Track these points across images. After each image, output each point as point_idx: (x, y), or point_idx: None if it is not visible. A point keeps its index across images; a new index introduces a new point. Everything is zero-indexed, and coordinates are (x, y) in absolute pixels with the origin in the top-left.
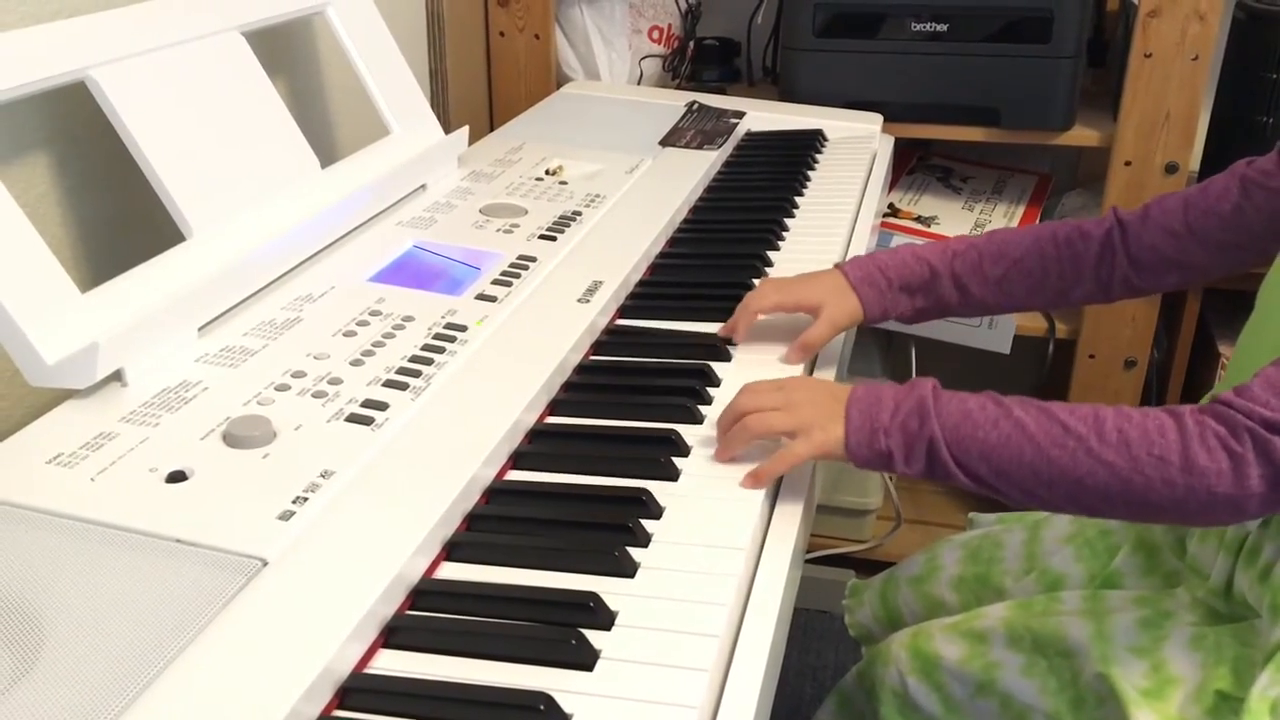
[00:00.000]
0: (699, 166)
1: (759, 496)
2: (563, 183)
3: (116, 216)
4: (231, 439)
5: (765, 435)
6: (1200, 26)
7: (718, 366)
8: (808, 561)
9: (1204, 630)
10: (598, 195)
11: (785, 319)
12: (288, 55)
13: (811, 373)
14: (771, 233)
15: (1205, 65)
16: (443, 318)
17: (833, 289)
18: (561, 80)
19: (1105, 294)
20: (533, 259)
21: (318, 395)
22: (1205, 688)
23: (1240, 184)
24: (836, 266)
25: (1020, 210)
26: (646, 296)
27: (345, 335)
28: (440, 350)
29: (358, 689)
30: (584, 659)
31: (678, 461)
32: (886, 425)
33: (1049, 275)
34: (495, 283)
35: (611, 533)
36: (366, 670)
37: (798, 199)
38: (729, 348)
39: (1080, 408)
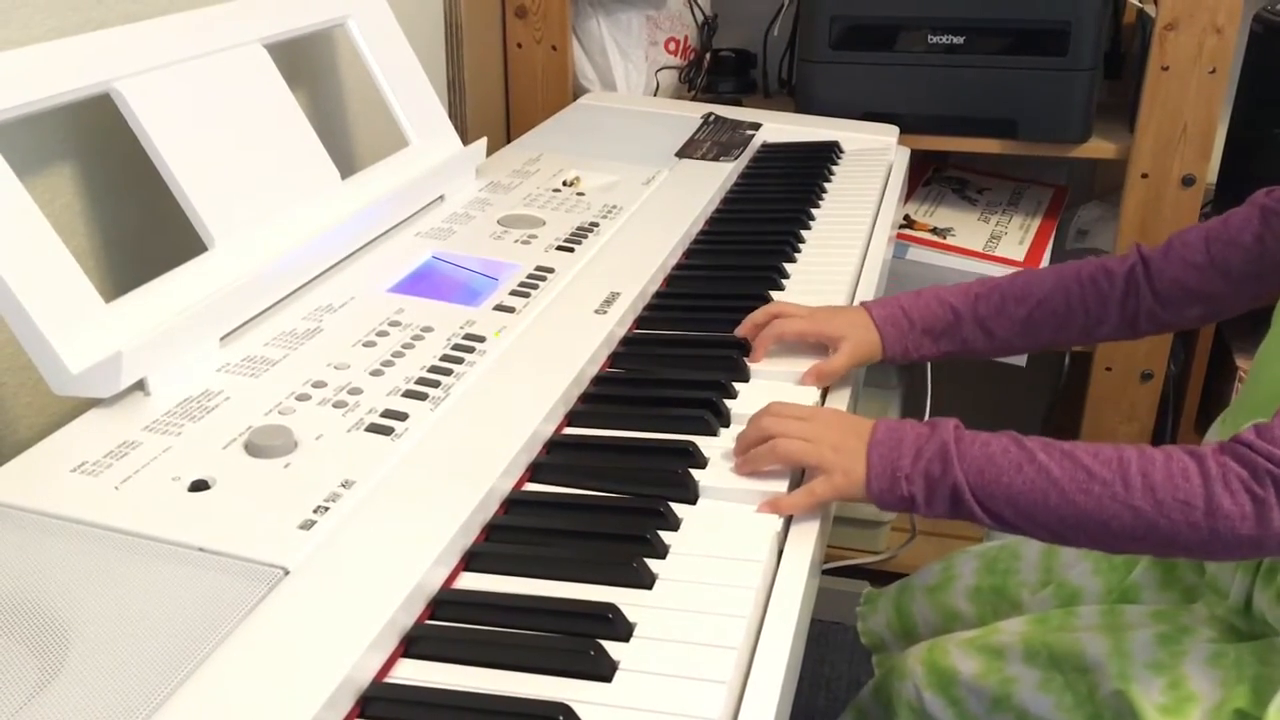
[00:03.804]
0: (715, 178)
1: None
2: (580, 194)
3: (140, 227)
4: (253, 448)
5: (788, 464)
6: (1217, 39)
7: (735, 379)
8: (822, 573)
9: (1224, 647)
10: (615, 206)
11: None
12: (308, 67)
13: (828, 386)
14: (788, 244)
15: (1223, 78)
16: (461, 328)
17: (856, 324)
18: (578, 91)
19: (1132, 330)
20: (550, 270)
21: (338, 405)
22: (1224, 705)
23: (1260, 214)
24: (862, 305)
25: (1036, 222)
26: (664, 308)
27: (365, 345)
28: (459, 361)
29: (378, 698)
30: (602, 670)
31: (695, 473)
32: (908, 471)
33: (1074, 313)
34: (513, 294)
35: (629, 544)
36: (387, 680)
37: (814, 211)
38: (746, 360)
39: (1103, 450)
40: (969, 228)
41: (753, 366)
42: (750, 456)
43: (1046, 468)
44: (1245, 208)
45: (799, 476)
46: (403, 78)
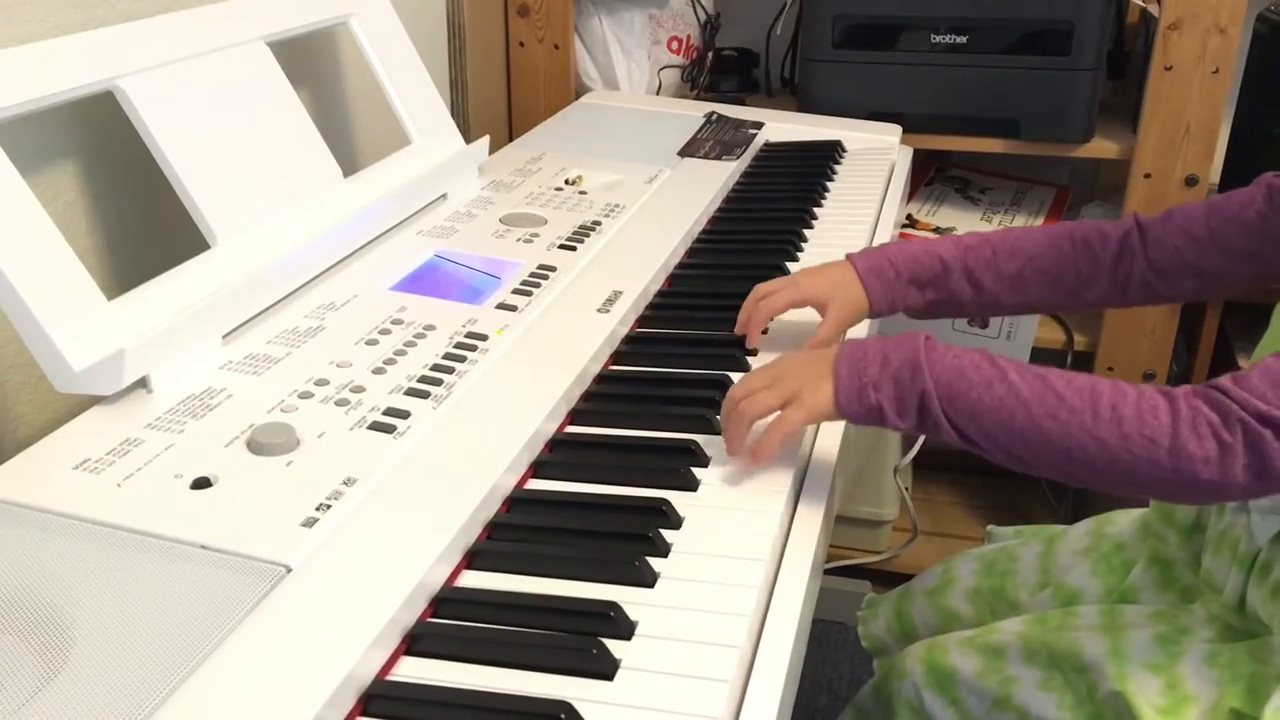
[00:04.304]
0: (718, 177)
1: (779, 507)
2: (582, 192)
3: (142, 225)
4: (255, 446)
5: (760, 415)
6: (1221, 39)
7: (736, 376)
8: (824, 572)
9: (1220, 647)
10: (617, 205)
11: (798, 321)
12: (311, 65)
13: None
14: (790, 243)
15: (1226, 78)
16: (463, 327)
17: (839, 282)
18: (581, 90)
19: (1122, 296)
20: (552, 268)
21: (340, 403)
22: (1220, 706)
23: (1266, 193)
24: (847, 257)
25: (1039, 222)
26: (666, 306)
27: (367, 344)
28: (461, 359)
29: (380, 696)
30: (604, 668)
31: (697, 471)
32: (876, 379)
33: (1064, 274)
34: (515, 292)
35: (632, 542)
36: (389, 677)
37: (816, 210)
38: (748, 358)
39: (1076, 378)
40: (971, 227)
41: (755, 361)
42: (726, 431)
43: (1017, 388)
44: (1251, 187)
45: (802, 473)
46: (405, 76)
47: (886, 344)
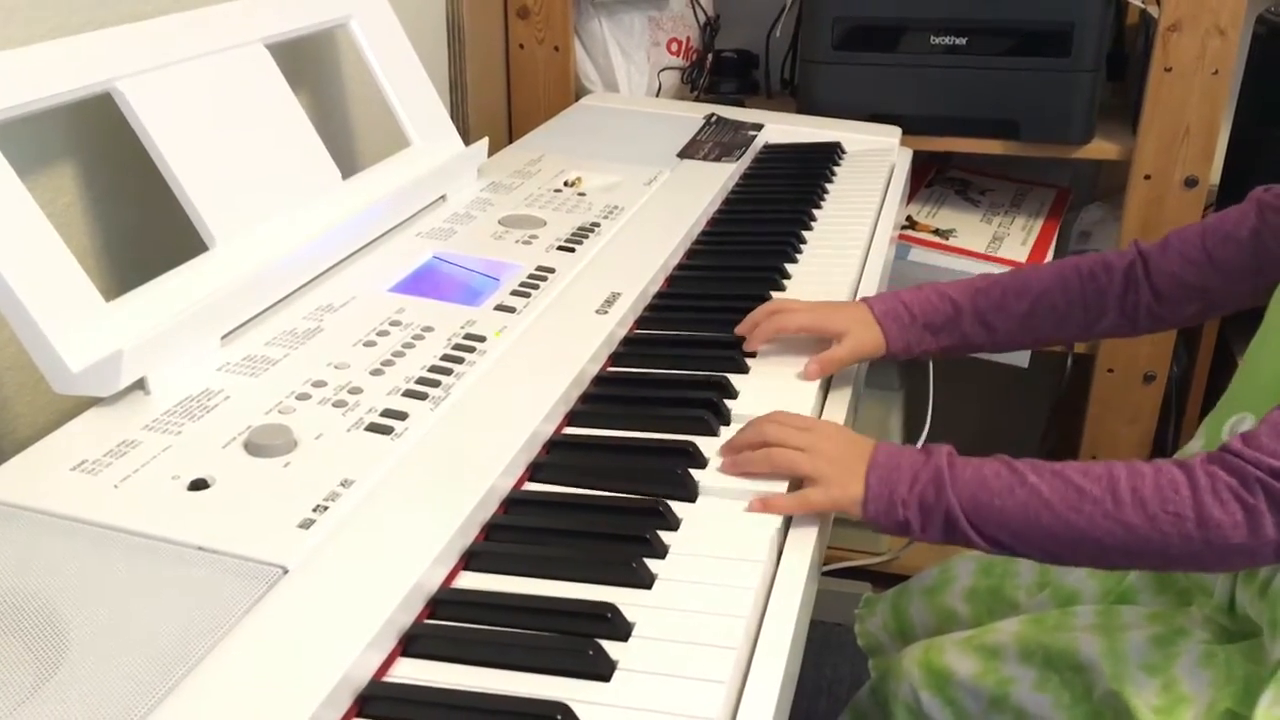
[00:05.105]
0: (717, 179)
1: None
2: (581, 194)
3: (141, 226)
4: (253, 448)
5: (785, 473)
6: (1221, 41)
7: (735, 379)
8: (823, 574)
9: (1215, 649)
10: (616, 207)
11: (805, 337)
12: (310, 67)
13: (829, 388)
14: (789, 245)
15: (1225, 80)
16: (462, 328)
17: (858, 320)
18: (580, 92)
19: (1131, 326)
20: (551, 270)
21: (338, 405)
22: (1215, 706)
23: (1257, 209)
24: (862, 300)
25: (1039, 224)
26: (664, 308)
27: (365, 345)
28: (459, 360)
29: (376, 697)
30: (601, 669)
31: (695, 473)
32: (905, 497)
33: (1074, 308)
34: (514, 294)
35: (629, 544)
36: (385, 679)
37: (816, 211)
38: (747, 359)
39: (1092, 468)
40: (971, 229)
41: (753, 364)
42: (743, 459)
43: (1037, 489)
44: (1244, 204)
45: (798, 481)
46: (405, 78)
47: (916, 461)
